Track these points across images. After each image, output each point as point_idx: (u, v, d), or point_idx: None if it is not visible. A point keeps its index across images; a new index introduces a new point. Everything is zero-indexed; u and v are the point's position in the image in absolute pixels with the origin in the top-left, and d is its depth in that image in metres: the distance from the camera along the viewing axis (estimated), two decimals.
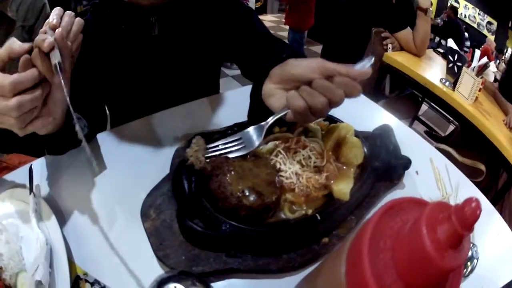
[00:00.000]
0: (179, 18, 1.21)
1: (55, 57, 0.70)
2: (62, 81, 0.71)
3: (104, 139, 1.10)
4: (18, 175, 0.97)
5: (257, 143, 0.89)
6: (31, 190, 0.86)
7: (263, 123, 0.88)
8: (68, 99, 0.73)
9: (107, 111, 1.41)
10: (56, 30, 0.73)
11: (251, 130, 0.90)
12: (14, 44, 0.72)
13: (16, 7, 1.59)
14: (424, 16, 2.82)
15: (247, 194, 0.79)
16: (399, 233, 0.40)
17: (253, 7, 9.66)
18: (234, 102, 1.07)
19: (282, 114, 0.83)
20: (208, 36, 1.30)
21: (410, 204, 0.44)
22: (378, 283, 0.38)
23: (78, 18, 0.79)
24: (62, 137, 0.91)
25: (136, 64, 1.23)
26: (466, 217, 0.33)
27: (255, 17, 1.31)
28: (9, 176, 0.98)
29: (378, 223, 0.42)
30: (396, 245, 0.40)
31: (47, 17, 1.53)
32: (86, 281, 0.75)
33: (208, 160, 0.89)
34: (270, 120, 0.86)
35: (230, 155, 0.89)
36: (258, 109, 0.92)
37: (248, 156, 0.92)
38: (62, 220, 0.86)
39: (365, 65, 0.82)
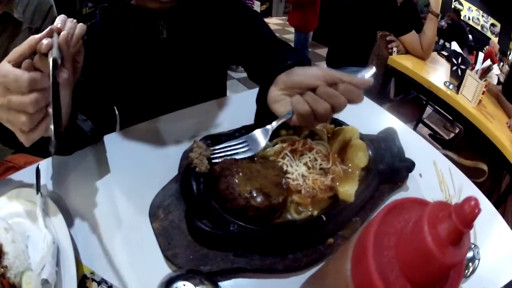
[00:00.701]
0: (187, 21, 1.23)
1: (52, 54, 0.71)
2: (51, 76, 0.70)
3: (113, 140, 1.11)
4: (25, 175, 0.98)
5: (261, 146, 0.91)
6: (38, 189, 0.86)
7: (268, 126, 0.90)
8: (51, 96, 0.72)
9: (117, 112, 1.42)
10: (61, 33, 0.75)
11: (256, 133, 0.93)
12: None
13: (23, 9, 1.59)
14: (434, 20, 2.83)
15: (254, 195, 0.80)
16: (402, 231, 0.42)
17: (258, 10, 9.65)
18: (242, 105, 1.08)
19: (286, 118, 0.86)
20: (215, 39, 1.32)
21: (413, 204, 0.46)
22: (382, 279, 0.40)
23: (80, 24, 0.81)
24: (68, 139, 0.93)
25: (145, 66, 1.25)
26: (466, 214, 0.35)
27: (261, 20, 1.34)
28: (16, 176, 0.99)
29: (382, 221, 0.44)
30: (399, 242, 0.41)
31: (54, 19, 1.55)
32: (93, 280, 0.76)
33: (213, 162, 0.91)
34: (275, 124, 0.89)
35: (235, 157, 0.91)
36: (264, 114, 0.94)
37: (256, 158, 0.94)
38: (69, 219, 0.87)
39: (367, 73, 0.86)
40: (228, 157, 0.92)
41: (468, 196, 0.36)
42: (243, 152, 0.92)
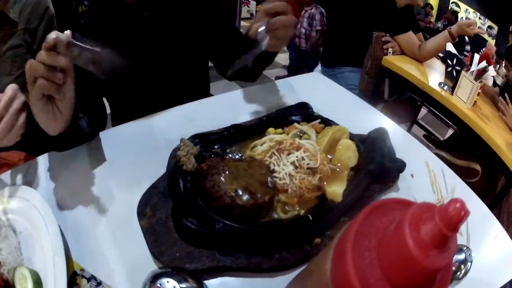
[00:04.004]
0: (167, 14, 1.30)
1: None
2: None
3: (103, 138, 1.11)
4: (18, 172, 0.99)
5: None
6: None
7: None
8: None
9: (108, 111, 1.44)
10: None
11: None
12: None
13: (19, 9, 1.59)
14: (449, 39, 2.83)
15: (240, 193, 0.81)
16: (384, 233, 0.41)
17: (254, 10, 9.68)
18: (231, 104, 1.08)
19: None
20: (193, 34, 1.38)
21: (397, 204, 0.45)
22: (361, 282, 0.39)
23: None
24: (68, 136, 0.94)
25: (131, 58, 1.27)
26: (450, 217, 0.34)
27: (231, 19, 1.45)
28: (9, 173, 0.99)
29: (363, 222, 0.43)
30: (381, 244, 0.40)
31: (50, 20, 1.54)
32: (83, 276, 0.76)
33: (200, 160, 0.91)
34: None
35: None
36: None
37: (243, 157, 0.94)
38: (61, 216, 0.87)
39: None
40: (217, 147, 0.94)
41: (453, 198, 0.35)
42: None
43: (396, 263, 0.38)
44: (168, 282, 0.65)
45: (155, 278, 0.66)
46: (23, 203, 0.85)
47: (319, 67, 3.54)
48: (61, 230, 0.80)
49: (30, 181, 0.94)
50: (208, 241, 0.78)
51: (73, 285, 0.75)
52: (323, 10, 4.72)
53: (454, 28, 2.85)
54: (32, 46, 1.65)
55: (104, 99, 1.39)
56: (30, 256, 0.78)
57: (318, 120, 1.10)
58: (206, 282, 0.72)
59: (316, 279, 0.53)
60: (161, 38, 1.31)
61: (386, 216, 0.43)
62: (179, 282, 0.66)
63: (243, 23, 7.21)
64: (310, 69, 4.94)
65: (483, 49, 5.32)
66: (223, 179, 0.83)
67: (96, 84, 1.22)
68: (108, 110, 1.42)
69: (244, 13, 9.47)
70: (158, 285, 0.65)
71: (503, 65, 2.98)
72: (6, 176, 0.98)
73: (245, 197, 0.80)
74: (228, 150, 1.00)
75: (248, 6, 9.49)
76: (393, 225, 0.40)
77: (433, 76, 2.90)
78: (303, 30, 4.85)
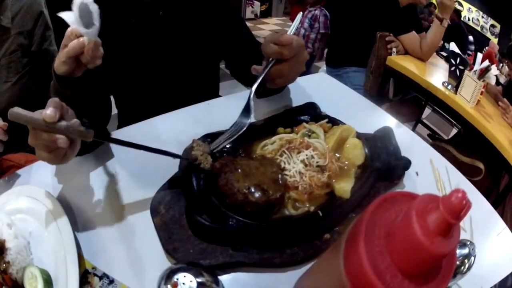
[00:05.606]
0: (181, 14, 1.32)
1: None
2: None
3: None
4: (26, 173, 1.01)
5: (250, 118, 1.01)
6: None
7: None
8: None
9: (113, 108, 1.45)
10: None
11: (240, 114, 1.02)
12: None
13: (12, 15, 1.58)
14: (439, 24, 2.84)
15: (253, 191, 0.83)
16: (392, 222, 0.43)
17: (258, 10, 9.67)
18: (239, 104, 1.10)
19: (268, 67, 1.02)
20: (206, 34, 1.40)
21: (403, 197, 0.47)
22: (373, 268, 0.41)
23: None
24: None
25: (143, 55, 1.33)
26: (453, 206, 0.36)
27: (245, 23, 1.51)
28: (17, 174, 1.01)
29: (373, 213, 0.45)
30: (390, 233, 0.43)
31: (45, 24, 1.53)
32: (95, 274, 0.78)
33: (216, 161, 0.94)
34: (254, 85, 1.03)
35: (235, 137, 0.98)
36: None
37: (255, 155, 0.96)
38: (72, 215, 0.88)
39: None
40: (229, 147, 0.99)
41: (456, 188, 0.37)
42: (238, 129, 0.99)
43: (404, 250, 0.40)
44: (185, 276, 0.66)
45: (171, 273, 0.67)
46: (32, 203, 0.86)
47: (324, 67, 3.55)
48: (72, 229, 0.81)
49: (39, 181, 0.95)
50: (221, 237, 0.80)
51: (85, 283, 0.77)
52: (327, 13, 4.68)
53: (438, 9, 2.88)
54: (30, 49, 1.66)
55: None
56: (40, 256, 0.79)
57: (326, 120, 1.12)
58: (219, 277, 0.74)
59: (328, 269, 0.56)
60: (175, 38, 1.33)
61: (394, 207, 0.46)
62: (196, 276, 0.67)
63: (247, 24, 7.23)
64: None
65: (486, 48, 5.30)
66: (235, 177, 0.85)
67: (105, 81, 1.24)
68: (114, 111, 1.44)
69: (249, 14, 9.49)
70: (175, 279, 0.66)
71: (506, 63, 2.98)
72: (14, 177, 1.00)
73: (258, 194, 0.82)
74: (239, 149, 1.02)
75: (252, 7, 9.51)
76: (401, 215, 0.42)
77: (437, 76, 2.91)
78: (303, 31, 4.82)
